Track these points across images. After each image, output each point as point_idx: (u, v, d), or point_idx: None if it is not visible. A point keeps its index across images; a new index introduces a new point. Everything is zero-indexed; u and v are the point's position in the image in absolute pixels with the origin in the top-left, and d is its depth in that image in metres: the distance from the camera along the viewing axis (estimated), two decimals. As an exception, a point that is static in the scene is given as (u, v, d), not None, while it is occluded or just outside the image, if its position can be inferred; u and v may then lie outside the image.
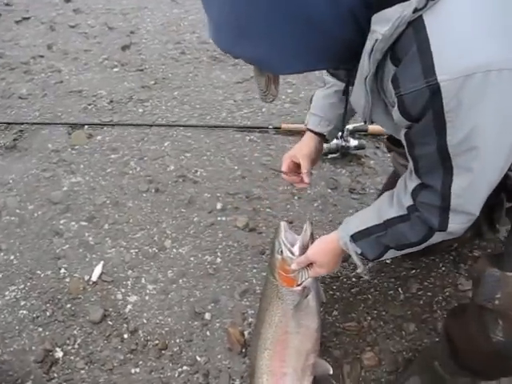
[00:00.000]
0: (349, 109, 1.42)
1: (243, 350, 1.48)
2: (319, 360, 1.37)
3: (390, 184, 1.62)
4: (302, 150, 1.51)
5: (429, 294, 1.63)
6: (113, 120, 2.30)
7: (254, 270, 1.70)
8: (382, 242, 1.15)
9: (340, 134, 1.59)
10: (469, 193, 0.95)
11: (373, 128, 2.14)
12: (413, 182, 1.04)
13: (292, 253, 1.36)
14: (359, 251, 1.19)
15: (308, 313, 1.37)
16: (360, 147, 2.09)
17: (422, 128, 0.88)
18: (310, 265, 1.33)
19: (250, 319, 1.56)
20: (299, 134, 2.23)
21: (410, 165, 1.03)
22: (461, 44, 0.77)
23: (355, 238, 1.18)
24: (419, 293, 1.63)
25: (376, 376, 1.44)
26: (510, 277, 0.94)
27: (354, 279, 1.67)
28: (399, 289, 1.64)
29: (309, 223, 1.39)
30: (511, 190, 1.09)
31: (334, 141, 2.02)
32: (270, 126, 2.25)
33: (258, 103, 2.42)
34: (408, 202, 1.07)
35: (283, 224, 1.41)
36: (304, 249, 1.35)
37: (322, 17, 0.82)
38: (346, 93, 1.23)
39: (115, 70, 2.63)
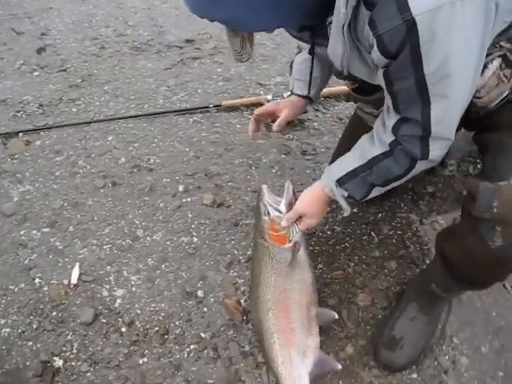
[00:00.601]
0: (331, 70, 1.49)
1: (244, 318, 1.50)
2: (321, 309, 1.41)
3: (348, 136, 1.70)
4: (287, 107, 1.57)
5: (399, 232, 1.73)
6: (47, 123, 2.20)
7: (233, 242, 1.71)
8: (367, 180, 1.21)
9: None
10: (446, 118, 1.04)
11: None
12: (392, 119, 1.11)
13: (279, 211, 1.39)
14: (346, 194, 1.25)
15: (302, 267, 1.40)
16: (301, 112, 2.15)
17: (400, 63, 0.95)
18: (298, 219, 1.37)
19: (243, 288, 1.58)
20: (239, 109, 2.27)
21: (388, 102, 1.09)
22: None
23: (341, 181, 1.23)
24: (390, 233, 1.73)
25: (373, 314, 1.52)
26: (503, 186, 1.02)
27: (328, 232, 1.74)
28: (372, 233, 1.74)
29: (289, 181, 1.43)
30: (474, 117, 1.19)
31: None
32: (211, 105, 2.26)
33: (192, 86, 2.41)
34: (389, 138, 1.13)
35: (264, 187, 1.44)
36: (289, 206, 1.39)
37: None
38: (311, 53, 1.28)
39: (36, 73, 2.50)
